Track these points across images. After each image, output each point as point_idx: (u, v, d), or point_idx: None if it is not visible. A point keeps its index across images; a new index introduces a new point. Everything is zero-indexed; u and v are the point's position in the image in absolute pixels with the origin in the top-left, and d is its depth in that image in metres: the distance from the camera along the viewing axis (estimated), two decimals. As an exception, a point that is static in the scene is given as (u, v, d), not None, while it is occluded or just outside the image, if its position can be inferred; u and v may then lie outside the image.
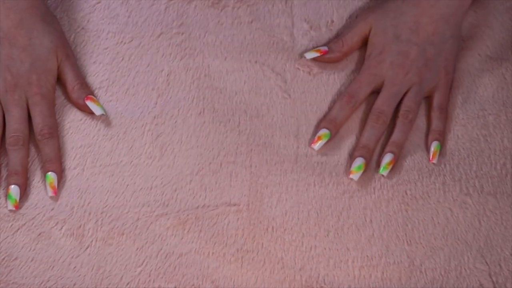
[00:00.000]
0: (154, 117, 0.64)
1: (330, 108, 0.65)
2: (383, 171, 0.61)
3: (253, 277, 0.57)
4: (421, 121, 0.66)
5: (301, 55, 0.68)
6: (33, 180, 0.61)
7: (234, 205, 0.60)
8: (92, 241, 0.58)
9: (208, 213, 0.60)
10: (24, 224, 0.59)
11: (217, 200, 0.60)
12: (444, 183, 0.62)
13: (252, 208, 0.60)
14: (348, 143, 0.64)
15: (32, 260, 0.57)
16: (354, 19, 0.70)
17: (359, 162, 0.61)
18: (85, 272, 0.57)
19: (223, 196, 0.61)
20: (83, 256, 0.58)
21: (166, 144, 0.63)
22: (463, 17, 0.68)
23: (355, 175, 0.61)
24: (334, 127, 0.63)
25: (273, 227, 0.60)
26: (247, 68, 0.67)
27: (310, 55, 0.67)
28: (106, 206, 0.60)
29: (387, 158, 0.62)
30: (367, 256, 0.59)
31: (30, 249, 0.58)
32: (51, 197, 0.60)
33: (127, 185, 0.61)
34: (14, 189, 0.59)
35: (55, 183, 0.60)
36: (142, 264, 0.58)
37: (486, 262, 0.59)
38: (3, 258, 0.57)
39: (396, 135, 0.63)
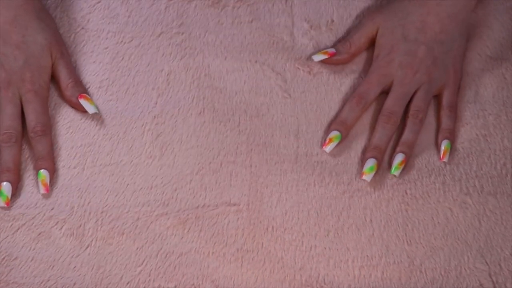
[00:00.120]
0: (154, 116, 0.64)
1: (339, 110, 0.65)
2: (395, 171, 0.61)
3: (253, 276, 0.57)
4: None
5: (309, 57, 0.68)
6: (33, 179, 0.61)
7: (234, 204, 0.60)
8: (92, 240, 0.58)
9: (208, 213, 0.60)
10: (24, 223, 0.59)
11: (217, 199, 0.60)
12: (444, 183, 0.62)
13: (252, 207, 0.60)
14: (348, 142, 0.64)
15: (32, 260, 0.57)
16: (359, 20, 0.70)
17: (371, 163, 0.61)
18: (85, 271, 0.57)
19: (223, 196, 0.61)
20: (83, 256, 0.58)
21: (166, 144, 0.63)
22: (469, 15, 0.68)
23: (368, 176, 0.61)
24: (345, 128, 0.63)
25: (273, 227, 0.60)
26: (247, 68, 0.67)
27: (318, 57, 0.67)
28: (106, 205, 0.60)
29: (399, 158, 0.62)
30: (367, 256, 0.59)
31: (30, 248, 0.58)
32: (43, 195, 0.60)
33: (127, 185, 0.61)
34: (6, 186, 0.59)
35: (47, 181, 0.60)
36: (142, 264, 0.58)
37: (486, 262, 0.59)
38: (3, 258, 0.57)
39: (406, 135, 0.63)
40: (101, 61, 0.67)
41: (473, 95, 0.67)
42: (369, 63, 0.68)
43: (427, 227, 0.60)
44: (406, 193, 0.61)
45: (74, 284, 0.56)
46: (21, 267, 0.57)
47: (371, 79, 0.65)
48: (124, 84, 0.66)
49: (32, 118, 0.61)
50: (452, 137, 0.64)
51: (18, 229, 0.58)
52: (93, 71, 0.66)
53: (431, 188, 0.62)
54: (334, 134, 0.63)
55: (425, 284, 0.58)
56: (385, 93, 0.65)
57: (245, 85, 0.66)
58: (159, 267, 0.57)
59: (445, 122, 0.64)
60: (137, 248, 0.58)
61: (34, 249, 0.58)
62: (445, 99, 0.65)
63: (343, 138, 0.63)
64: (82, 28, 0.69)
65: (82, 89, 0.64)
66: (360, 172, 0.62)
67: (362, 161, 0.62)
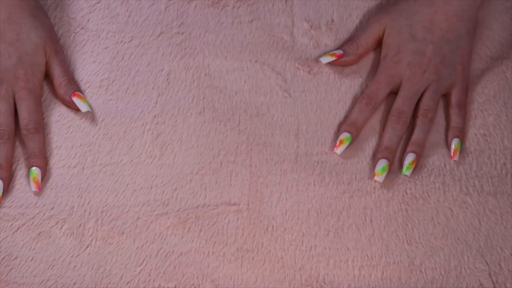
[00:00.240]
0: (154, 116, 0.64)
1: (349, 111, 0.65)
2: (406, 171, 0.61)
3: (253, 276, 0.57)
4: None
5: (309, 57, 0.68)
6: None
7: (234, 204, 0.60)
8: (92, 240, 0.58)
9: (208, 213, 0.60)
10: (24, 223, 0.59)
11: (217, 199, 0.60)
12: (444, 182, 0.62)
13: (252, 207, 0.60)
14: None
15: (32, 259, 0.57)
16: (364, 21, 0.70)
17: (383, 163, 0.61)
18: (85, 271, 0.57)
19: (223, 196, 0.61)
20: (83, 255, 0.58)
21: (166, 143, 0.63)
22: (476, 12, 0.68)
23: (380, 177, 0.61)
24: (355, 130, 0.63)
25: (273, 227, 0.60)
26: (247, 68, 0.67)
27: (326, 59, 0.67)
28: (106, 205, 0.60)
29: (410, 158, 0.62)
30: (367, 255, 0.59)
31: (30, 248, 0.58)
32: (34, 192, 0.60)
33: (127, 184, 0.61)
34: None
35: (39, 178, 0.60)
36: (142, 263, 0.58)
37: (486, 262, 0.59)
38: (3, 257, 0.57)
39: (417, 135, 0.63)
40: (101, 61, 0.67)
41: (474, 95, 0.67)
42: (370, 63, 0.68)
43: (427, 227, 0.60)
44: (406, 193, 0.61)
45: (74, 283, 0.56)
46: (21, 267, 0.57)
47: (380, 79, 0.65)
48: (124, 83, 0.66)
49: (24, 116, 0.61)
50: (462, 136, 0.64)
51: (18, 228, 0.58)
52: (93, 70, 0.66)
53: (431, 188, 0.62)
54: (345, 135, 0.63)
55: (425, 284, 0.58)
56: (393, 93, 0.65)
57: (245, 85, 0.66)
58: (159, 266, 0.57)
59: (455, 120, 0.64)
60: (137, 248, 0.58)
61: (34, 248, 0.58)
62: (454, 97, 0.65)
63: (353, 140, 0.63)
64: (82, 28, 0.69)
65: (75, 87, 0.64)
66: (372, 173, 0.62)
67: (374, 162, 0.62)
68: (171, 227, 0.59)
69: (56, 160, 0.61)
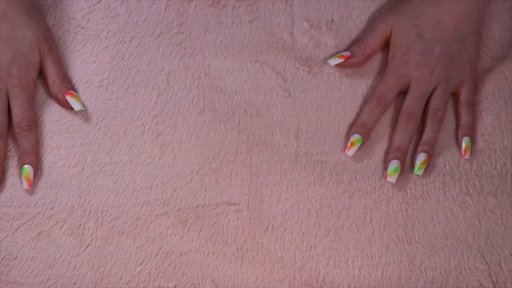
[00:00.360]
0: (154, 116, 0.64)
1: (359, 113, 0.65)
2: (418, 171, 0.61)
3: (253, 276, 0.57)
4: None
5: (309, 57, 0.68)
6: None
7: (234, 204, 0.60)
8: (92, 240, 0.58)
9: (208, 212, 0.60)
10: (24, 223, 0.59)
11: (217, 199, 0.60)
12: (444, 182, 0.62)
13: (252, 207, 0.60)
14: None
15: (32, 259, 0.57)
16: (371, 21, 0.70)
17: (395, 164, 0.61)
18: (85, 271, 0.57)
19: (223, 195, 0.61)
20: (83, 255, 0.58)
21: (166, 143, 0.63)
22: (483, 10, 0.68)
23: (393, 177, 0.61)
24: (366, 131, 0.63)
25: (273, 226, 0.60)
26: (247, 67, 0.67)
27: (334, 61, 0.67)
28: (106, 205, 0.60)
29: (421, 157, 0.62)
30: (367, 255, 0.59)
31: (30, 248, 0.58)
32: (26, 190, 0.60)
33: (127, 184, 0.61)
34: None
35: (31, 176, 0.60)
36: (142, 263, 0.58)
37: (486, 262, 0.59)
38: (3, 257, 0.57)
39: (427, 134, 0.63)
40: (101, 61, 0.67)
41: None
42: (371, 63, 0.68)
43: (427, 227, 0.60)
44: (406, 193, 0.61)
45: (74, 283, 0.56)
46: (21, 267, 0.57)
47: (389, 80, 0.65)
48: (124, 83, 0.66)
49: (18, 113, 0.61)
50: (472, 134, 0.64)
51: (18, 228, 0.58)
52: (93, 70, 0.66)
53: (431, 187, 0.62)
54: (356, 137, 0.63)
55: (425, 284, 0.58)
56: (402, 93, 0.66)
57: (245, 85, 0.66)
58: (159, 266, 0.57)
59: (464, 119, 0.64)
60: (137, 248, 0.58)
61: (34, 248, 0.58)
62: (463, 96, 0.65)
63: (364, 141, 0.63)
64: (82, 27, 0.69)
65: (69, 85, 0.64)
66: (384, 175, 0.62)
67: (385, 163, 0.62)
68: (171, 227, 0.59)
69: (56, 160, 0.61)
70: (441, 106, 0.64)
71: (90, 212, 0.59)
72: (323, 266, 0.58)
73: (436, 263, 0.58)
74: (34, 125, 0.62)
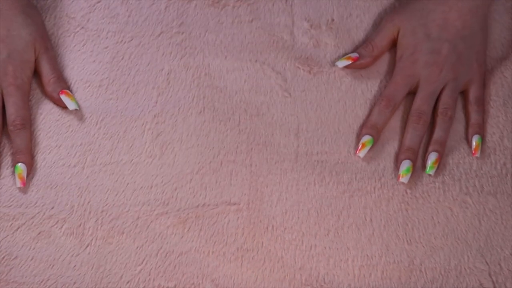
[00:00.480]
0: (155, 115, 0.64)
1: (368, 114, 0.65)
2: (430, 170, 0.61)
3: (253, 276, 0.57)
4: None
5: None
6: (33, 178, 0.61)
7: (234, 204, 0.60)
8: (92, 239, 0.58)
9: (208, 212, 0.60)
10: (24, 223, 0.59)
11: (217, 199, 0.60)
12: (444, 182, 0.62)
13: (252, 207, 0.60)
14: (348, 141, 0.64)
15: (32, 259, 0.57)
16: (379, 22, 0.70)
17: (406, 164, 0.61)
18: (85, 270, 0.57)
19: (223, 195, 0.61)
20: (83, 255, 0.58)
21: (167, 143, 0.63)
22: (489, 8, 0.68)
23: (405, 178, 0.61)
24: (376, 132, 0.63)
25: (273, 226, 0.60)
26: (247, 67, 0.67)
27: (342, 63, 0.67)
28: (106, 204, 0.60)
29: (432, 157, 0.62)
30: (367, 255, 0.59)
31: (30, 248, 0.58)
32: (19, 188, 0.60)
33: (127, 184, 0.61)
34: None
35: (24, 174, 0.60)
36: (142, 263, 0.58)
37: (486, 262, 0.59)
38: (3, 257, 0.57)
39: (438, 133, 0.63)
40: (101, 61, 0.67)
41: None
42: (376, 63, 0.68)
43: (427, 227, 0.60)
44: (406, 193, 0.61)
45: (74, 283, 0.56)
46: (21, 266, 0.57)
47: (397, 80, 0.65)
48: (124, 83, 0.66)
49: (12, 112, 0.61)
50: (482, 132, 0.64)
51: (18, 228, 0.58)
52: (93, 70, 0.66)
53: (431, 187, 0.62)
54: (367, 138, 0.63)
55: (425, 284, 0.58)
56: (411, 93, 0.66)
57: (245, 84, 0.66)
58: (159, 266, 0.57)
59: (474, 117, 0.65)
60: (137, 247, 0.58)
61: (34, 248, 0.58)
62: (472, 94, 0.65)
63: (375, 142, 0.63)
64: (82, 27, 0.69)
65: (64, 85, 0.64)
66: (396, 175, 0.62)
67: (397, 164, 0.62)
68: (171, 227, 0.59)
69: (56, 159, 0.61)
70: (450, 105, 0.64)
71: (90, 212, 0.59)
72: (323, 266, 0.58)
73: (436, 263, 0.58)
74: (28, 123, 0.62)
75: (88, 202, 0.60)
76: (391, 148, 0.64)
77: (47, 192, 0.60)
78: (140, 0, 0.71)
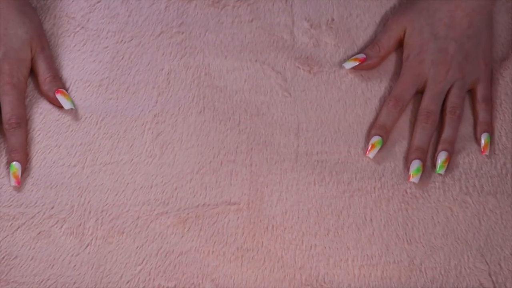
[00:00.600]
0: (155, 115, 0.64)
1: (377, 114, 0.65)
2: (440, 170, 0.62)
3: (253, 275, 0.57)
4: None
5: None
6: (33, 177, 0.61)
7: (234, 203, 0.60)
8: (92, 239, 0.58)
9: (208, 212, 0.60)
10: (24, 223, 0.59)
11: (217, 198, 0.60)
12: (444, 182, 0.62)
13: (252, 207, 0.60)
14: (348, 141, 0.64)
15: (32, 259, 0.57)
16: (384, 23, 0.70)
17: (416, 164, 0.61)
18: (85, 270, 0.57)
19: (223, 195, 0.61)
20: (83, 255, 0.58)
21: (167, 143, 0.63)
22: (494, 6, 0.68)
23: (415, 178, 0.61)
24: (385, 133, 0.63)
25: (273, 226, 0.60)
26: (247, 67, 0.67)
27: (349, 64, 0.67)
28: (106, 204, 0.60)
29: (442, 156, 0.62)
30: (367, 255, 0.59)
31: (30, 247, 0.58)
32: (14, 187, 0.60)
33: (127, 184, 0.61)
34: None
35: (19, 173, 0.60)
36: (142, 263, 0.58)
37: (486, 262, 0.59)
38: (3, 257, 0.57)
39: (447, 132, 0.63)
40: (101, 60, 0.67)
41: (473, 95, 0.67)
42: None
43: (427, 227, 0.60)
44: (406, 192, 0.61)
45: (74, 283, 0.56)
46: (21, 266, 0.57)
47: (405, 80, 0.65)
48: (124, 83, 0.66)
49: (7, 110, 0.61)
50: (490, 130, 0.64)
51: (18, 228, 0.58)
52: (93, 70, 0.66)
53: (431, 187, 0.62)
54: (376, 139, 0.63)
55: (425, 284, 0.58)
56: (419, 93, 0.66)
57: (245, 84, 0.66)
58: (159, 266, 0.57)
59: (482, 115, 0.65)
60: (137, 247, 0.58)
61: (34, 248, 0.58)
62: (479, 92, 0.66)
63: (384, 142, 0.63)
64: (82, 27, 0.69)
65: (59, 84, 0.64)
66: (406, 175, 0.62)
67: (406, 164, 0.62)
68: (171, 226, 0.59)
69: (56, 159, 0.61)
70: (458, 103, 0.64)
71: (90, 212, 0.59)
72: (323, 266, 0.58)
73: (436, 263, 0.58)
74: (24, 122, 0.62)
75: (88, 201, 0.60)
76: (391, 147, 0.64)
77: (47, 192, 0.60)
78: (140, 0, 0.71)
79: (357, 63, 0.66)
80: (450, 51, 0.65)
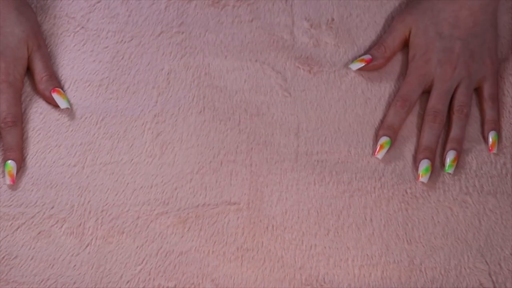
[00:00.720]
0: (155, 115, 0.64)
1: (385, 115, 0.65)
2: (449, 169, 0.62)
3: (253, 275, 0.57)
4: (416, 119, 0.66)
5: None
6: (33, 177, 0.61)
7: (234, 203, 0.60)
8: (92, 239, 0.58)
9: (208, 212, 0.60)
10: (24, 222, 0.59)
11: (217, 198, 0.60)
12: (444, 182, 0.62)
13: (252, 206, 0.60)
14: (348, 141, 0.64)
15: (32, 259, 0.57)
16: (390, 23, 0.70)
17: (425, 164, 0.61)
18: (85, 270, 0.57)
19: (223, 195, 0.61)
20: (83, 255, 0.58)
21: (167, 143, 0.63)
22: (497, 5, 0.68)
23: (424, 177, 0.61)
24: (393, 133, 0.63)
25: (273, 226, 0.59)
26: (247, 67, 0.67)
27: (355, 66, 0.67)
28: (106, 204, 0.60)
29: (451, 155, 0.62)
30: (367, 255, 0.59)
31: (30, 247, 0.58)
32: (9, 186, 0.60)
33: (127, 184, 0.61)
34: None
35: (14, 172, 0.60)
36: (142, 263, 0.58)
37: (486, 262, 0.59)
38: (3, 257, 0.57)
39: (454, 131, 0.63)
40: (101, 60, 0.67)
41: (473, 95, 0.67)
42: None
43: (427, 226, 0.60)
44: (406, 192, 0.61)
45: (74, 283, 0.56)
46: (21, 266, 0.57)
47: (411, 80, 0.65)
48: (124, 83, 0.66)
49: (3, 109, 0.61)
50: (498, 128, 0.64)
51: (18, 228, 0.58)
52: (93, 69, 0.66)
53: (431, 187, 0.62)
54: (384, 139, 0.63)
55: (425, 283, 0.58)
56: (425, 92, 0.66)
57: (245, 84, 0.66)
58: (159, 266, 0.57)
59: (489, 113, 0.65)
60: (137, 247, 0.58)
61: (34, 248, 0.58)
62: (486, 91, 0.66)
63: (392, 143, 0.63)
64: (82, 27, 0.69)
65: (56, 83, 0.64)
66: (415, 175, 0.62)
67: (415, 163, 0.62)
68: (171, 226, 0.59)
69: (56, 159, 0.61)
70: (466, 102, 0.64)
71: (90, 212, 0.59)
72: (323, 266, 0.58)
73: (436, 263, 0.58)
74: (19, 121, 0.62)
75: (88, 201, 0.60)
76: (391, 148, 0.64)
77: (47, 192, 0.60)
78: (140, 0, 0.71)
79: (363, 64, 0.67)
80: (455, 50, 0.65)
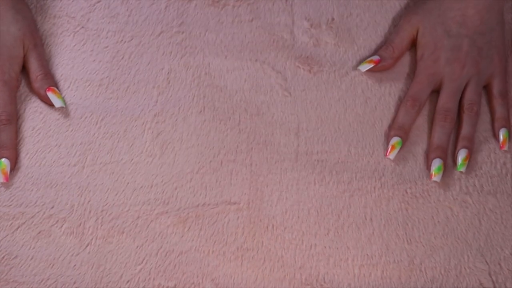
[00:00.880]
0: (155, 115, 0.64)
1: (395, 115, 0.65)
2: (461, 167, 0.62)
3: (253, 275, 0.57)
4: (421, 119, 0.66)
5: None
6: (32, 177, 0.61)
7: (234, 203, 0.60)
8: (92, 239, 0.58)
9: (209, 212, 0.60)
10: (24, 222, 0.59)
11: (218, 198, 0.60)
12: (444, 182, 0.62)
13: (252, 206, 0.60)
14: (348, 141, 0.64)
15: (32, 258, 0.57)
16: (397, 23, 0.70)
17: (438, 163, 0.61)
18: (85, 270, 0.57)
19: (224, 195, 0.61)
20: (83, 254, 0.58)
21: (167, 142, 0.63)
22: (503, 4, 0.68)
23: (437, 177, 0.61)
24: (404, 133, 0.63)
25: (273, 226, 0.59)
26: (248, 67, 0.67)
27: (364, 67, 0.67)
28: (106, 204, 0.60)
29: (463, 154, 0.62)
30: (367, 254, 0.59)
31: (30, 247, 0.58)
32: (2, 184, 0.60)
33: (128, 183, 0.61)
34: None
35: (7, 170, 0.60)
36: (142, 262, 0.58)
37: (486, 261, 0.59)
38: (3, 257, 0.57)
39: (465, 130, 0.63)
40: (101, 60, 0.67)
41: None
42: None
43: (427, 226, 0.60)
44: (406, 192, 0.61)
45: (74, 282, 0.56)
46: (21, 266, 0.57)
47: (421, 79, 0.65)
48: (124, 82, 0.66)
49: None
50: (508, 125, 0.64)
51: (18, 227, 0.58)
52: (93, 69, 0.66)
53: (431, 187, 0.62)
54: (396, 140, 0.63)
55: (425, 283, 0.58)
56: (435, 91, 0.66)
57: (246, 84, 0.66)
58: (159, 265, 0.57)
59: (499, 110, 0.65)
60: (137, 247, 0.58)
61: (34, 247, 0.58)
62: (495, 88, 0.66)
63: (404, 143, 0.63)
64: (82, 27, 0.69)
65: (51, 82, 0.64)
66: (428, 174, 0.62)
67: (427, 163, 0.63)
68: (171, 226, 0.59)
69: (56, 158, 0.61)
70: (475, 100, 0.64)
71: (90, 211, 0.59)
72: (323, 265, 0.58)
73: (436, 263, 0.58)
74: (14, 119, 0.62)
75: (88, 201, 0.60)
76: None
77: (47, 191, 0.60)
78: (140, 0, 0.71)
79: (372, 65, 0.67)
80: (463, 48, 0.65)
